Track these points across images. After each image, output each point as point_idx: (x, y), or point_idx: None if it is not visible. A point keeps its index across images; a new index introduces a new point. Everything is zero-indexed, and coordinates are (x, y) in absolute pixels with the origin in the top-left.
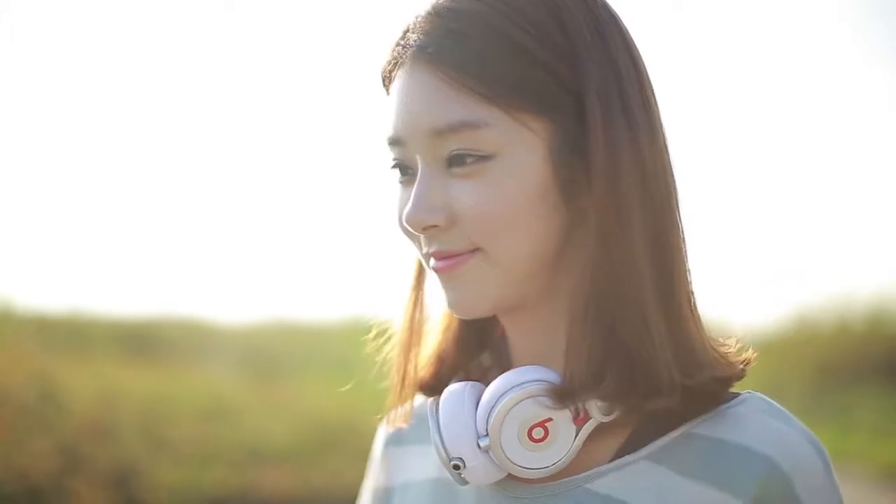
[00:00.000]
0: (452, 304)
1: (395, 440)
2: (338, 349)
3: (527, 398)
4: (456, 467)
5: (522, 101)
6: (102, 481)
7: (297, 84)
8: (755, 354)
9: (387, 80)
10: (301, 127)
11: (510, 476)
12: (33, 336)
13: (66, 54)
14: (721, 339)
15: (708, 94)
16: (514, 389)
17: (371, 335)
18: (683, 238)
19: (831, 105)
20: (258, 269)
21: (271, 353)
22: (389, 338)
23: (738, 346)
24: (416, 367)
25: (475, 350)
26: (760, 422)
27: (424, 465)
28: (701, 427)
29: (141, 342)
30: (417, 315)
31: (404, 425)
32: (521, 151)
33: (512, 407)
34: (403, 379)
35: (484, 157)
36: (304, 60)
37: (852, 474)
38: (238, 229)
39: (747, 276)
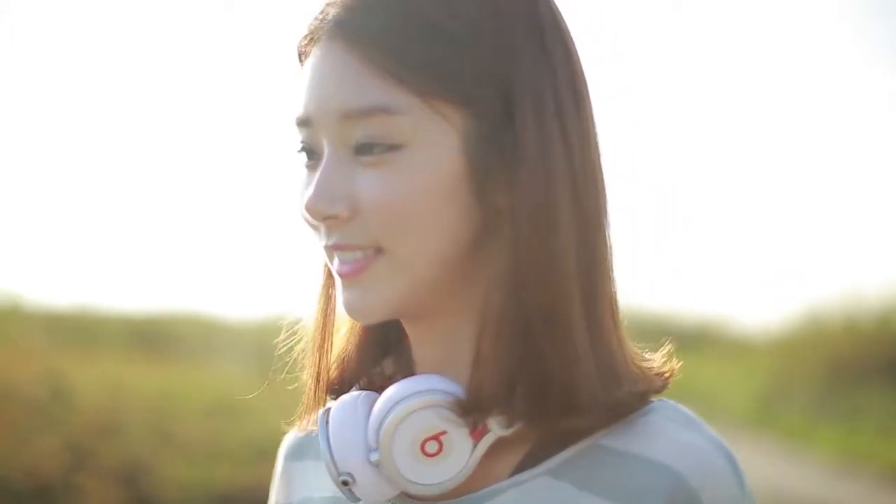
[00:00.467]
0: (348, 307)
1: (296, 454)
2: None
3: (420, 409)
4: (345, 483)
5: (441, 88)
6: (111, 478)
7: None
8: (679, 364)
9: (303, 56)
10: None
11: (406, 493)
12: (41, 333)
13: (67, 53)
14: (642, 353)
15: (709, 94)
16: (406, 400)
17: (283, 334)
18: (609, 245)
19: (833, 105)
20: (268, 265)
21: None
22: (301, 337)
23: (663, 358)
24: (328, 368)
25: (379, 355)
26: (668, 432)
27: (323, 482)
28: (606, 439)
29: (149, 339)
30: (329, 312)
31: (315, 429)
32: (434, 143)
33: (403, 419)
34: (317, 382)
35: (394, 147)
36: None
37: (860, 473)
38: (248, 226)
39: (757, 274)
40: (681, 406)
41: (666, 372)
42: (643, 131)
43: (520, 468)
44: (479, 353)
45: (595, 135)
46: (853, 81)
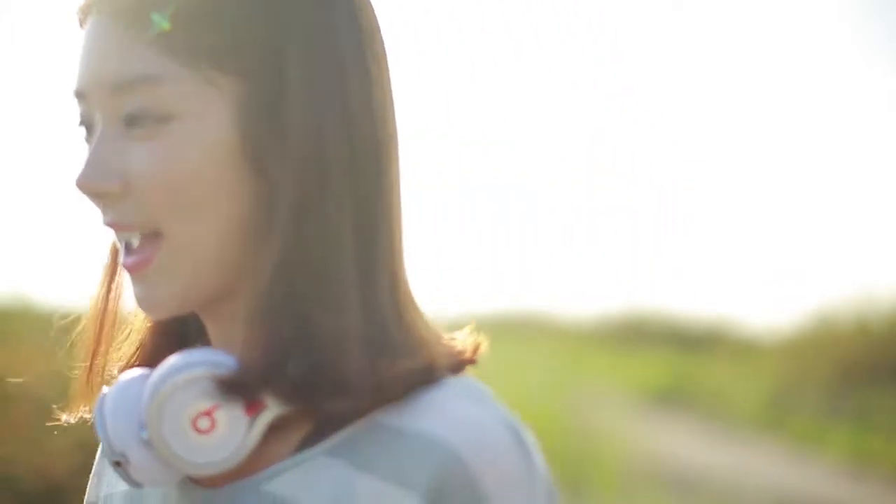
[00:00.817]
0: (138, 302)
1: None
2: None
3: (188, 383)
4: (118, 464)
5: (211, 56)
6: None
7: None
8: (483, 342)
9: (82, 27)
10: None
11: (188, 476)
12: (52, 333)
13: (70, 52)
14: (441, 332)
15: (710, 94)
16: (175, 373)
17: (66, 319)
18: (391, 221)
19: (833, 105)
20: None
21: None
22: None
23: (469, 335)
24: (106, 356)
25: (176, 343)
26: (450, 406)
27: None
28: (386, 416)
29: None
30: (112, 295)
31: (88, 416)
32: (206, 114)
33: (172, 393)
34: (91, 369)
35: (163, 118)
36: None
37: (871, 475)
38: None
39: (766, 276)
40: (475, 382)
41: (465, 351)
42: (646, 132)
43: (302, 447)
44: (250, 329)
45: (385, 105)
46: (853, 81)
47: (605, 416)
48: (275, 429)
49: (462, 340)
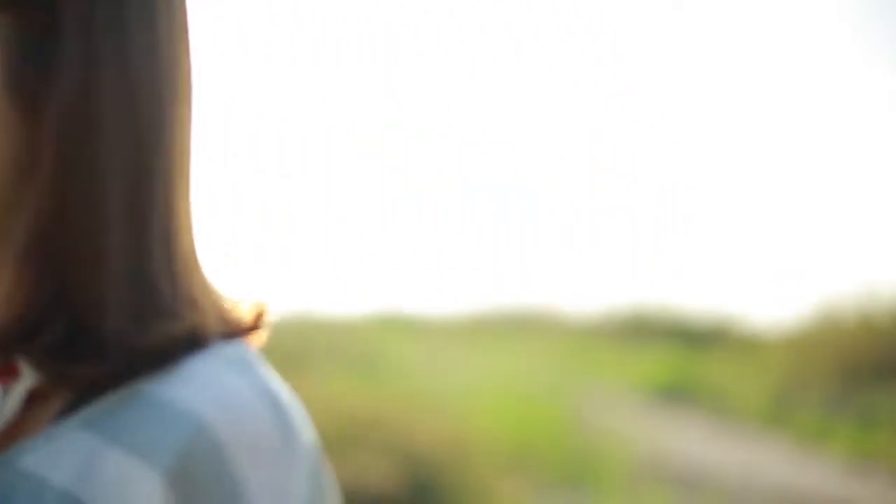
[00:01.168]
0: None
1: None
2: (361, 345)
3: None
4: None
5: None
6: None
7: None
8: (266, 311)
9: None
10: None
11: None
12: None
13: None
14: (224, 298)
15: (710, 94)
16: None
17: None
18: (175, 182)
19: (836, 105)
20: (279, 262)
21: (294, 348)
22: None
23: (256, 308)
24: None
25: None
26: (209, 374)
27: None
28: (148, 384)
29: None
30: None
31: None
32: None
33: None
34: None
35: None
36: (308, 55)
37: (876, 472)
38: (259, 223)
39: (769, 272)
40: (245, 350)
41: (244, 319)
42: (646, 132)
43: (60, 418)
44: (9, 281)
45: (175, 62)
46: (853, 81)
47: (609, 412)
48: (39, 398)
49: (245, 309)
